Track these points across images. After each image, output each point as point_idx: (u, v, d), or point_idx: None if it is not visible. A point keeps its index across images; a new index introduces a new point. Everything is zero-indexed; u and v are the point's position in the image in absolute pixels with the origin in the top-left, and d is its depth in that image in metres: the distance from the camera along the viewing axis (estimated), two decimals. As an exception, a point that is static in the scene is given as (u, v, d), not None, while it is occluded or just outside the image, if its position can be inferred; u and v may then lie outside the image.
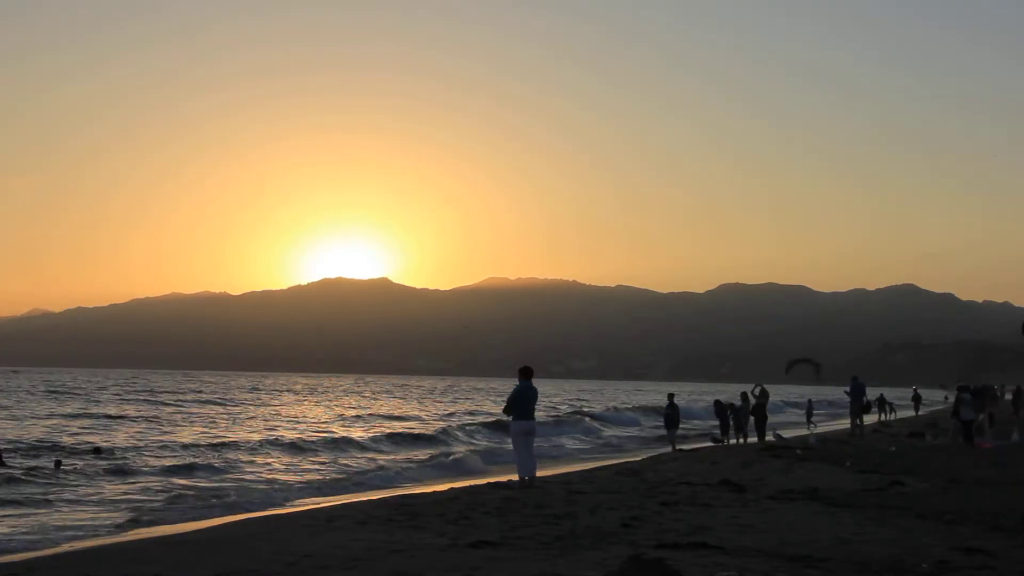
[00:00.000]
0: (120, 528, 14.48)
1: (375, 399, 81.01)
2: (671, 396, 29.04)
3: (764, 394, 30.91)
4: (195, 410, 52.27)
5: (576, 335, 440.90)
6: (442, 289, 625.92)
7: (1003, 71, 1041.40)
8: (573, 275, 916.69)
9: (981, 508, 12.77)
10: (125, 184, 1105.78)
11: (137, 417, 43.51)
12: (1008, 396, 50.00)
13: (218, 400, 67.12)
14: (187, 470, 22.60)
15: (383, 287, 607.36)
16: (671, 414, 28.00)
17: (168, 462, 23.95)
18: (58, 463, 22.60)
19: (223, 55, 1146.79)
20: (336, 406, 63.81)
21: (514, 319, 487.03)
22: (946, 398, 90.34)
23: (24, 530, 14.20)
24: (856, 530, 10.91)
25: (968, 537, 10.28)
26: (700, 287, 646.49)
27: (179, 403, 60.10)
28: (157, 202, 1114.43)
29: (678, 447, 27.80)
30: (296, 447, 29.00)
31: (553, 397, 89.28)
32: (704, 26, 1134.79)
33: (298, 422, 43.39)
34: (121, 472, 21.97)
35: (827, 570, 8.51)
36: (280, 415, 50.31)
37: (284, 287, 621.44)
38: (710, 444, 29.81)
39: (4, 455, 23.24)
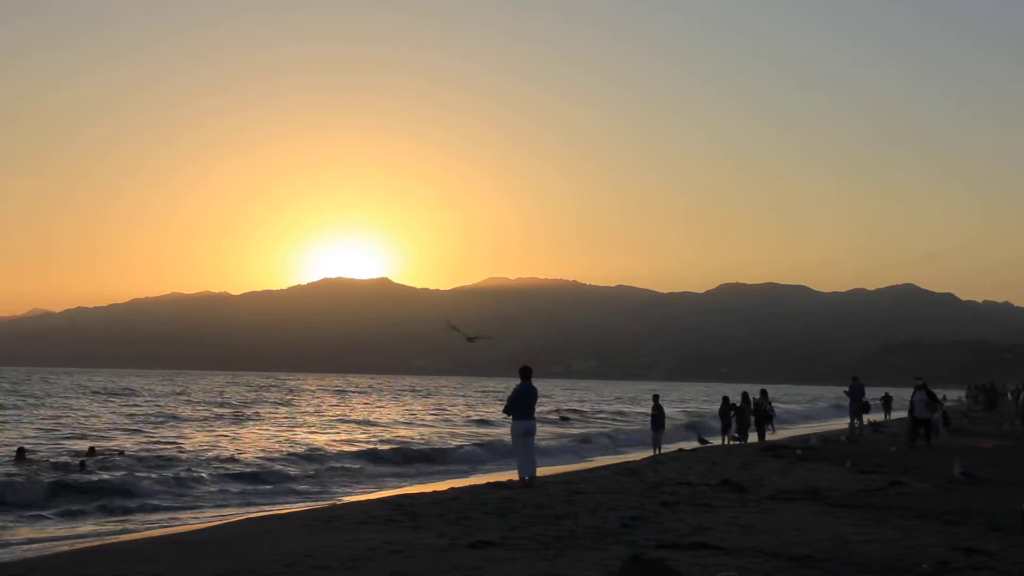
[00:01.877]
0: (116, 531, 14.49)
1: (423, 398, 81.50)
2: (656, 397, 28.76)
3: (764, 395, 30.90)
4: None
5: (576, 335, 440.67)
6: (442, 289, 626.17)
7: (1003, 71, 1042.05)
8: (573, 275, 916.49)
9: (981, 508, 12.77)
10: (125, 184, 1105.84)
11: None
12: (1009, 395, 49.99)
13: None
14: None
15: (383, 287, 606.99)
16: (657, 415, 27.76)
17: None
18: (82, 463, 22.55)
19: (223, 55, 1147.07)
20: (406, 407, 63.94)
21: (514, 319, 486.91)
22: (944, 397, 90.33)
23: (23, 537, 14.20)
24: (856, 530, 10.90)
25: (968, 537, 10.28)
26: (700, 287, 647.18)
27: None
28: (157, 202, 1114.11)
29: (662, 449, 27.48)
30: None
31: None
32: (705, 27, 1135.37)
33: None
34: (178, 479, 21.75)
35: (827, 570, 8.51)
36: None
37: (284, 287, 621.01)
38: (696, 445, 29.46)
39: (27, 453, 23.27)
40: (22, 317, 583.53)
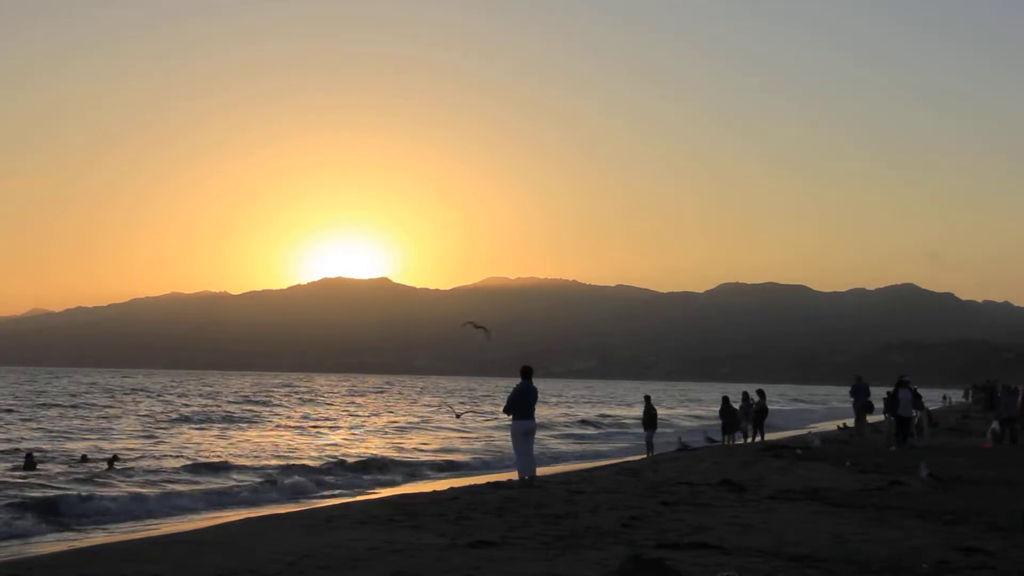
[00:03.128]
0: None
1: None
2: (648, 398, 28.77)
3: (762, 395, 30.94)
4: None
5: (576, 335, 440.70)
6: (442, 289, 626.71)
7: (1003, 72, 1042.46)
8: (573, 275, 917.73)
9: (981, 508, 12.77)
10: (125, 184, 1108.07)
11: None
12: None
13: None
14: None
15: (383, 287, 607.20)
16: (649, 416, 27.76)
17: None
18: (112, 460, 22.36)
19: (223, 55, 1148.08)
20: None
21: (514, 319, 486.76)
22: (944, 397, 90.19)
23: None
24: (856, 530, 10.90)
25: (968, 537, 10.28)
26: (700, 287, 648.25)
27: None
28: (157, 202, 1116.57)
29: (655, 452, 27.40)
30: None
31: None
32: (706, 27, 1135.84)
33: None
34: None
35: (827, 570, 8.50)
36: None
37: (284, 287, 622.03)
38: (679, 450, 28.38)
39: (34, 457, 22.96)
40: (22, 317, 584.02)
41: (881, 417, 44.96)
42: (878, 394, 43.28)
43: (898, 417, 25.39)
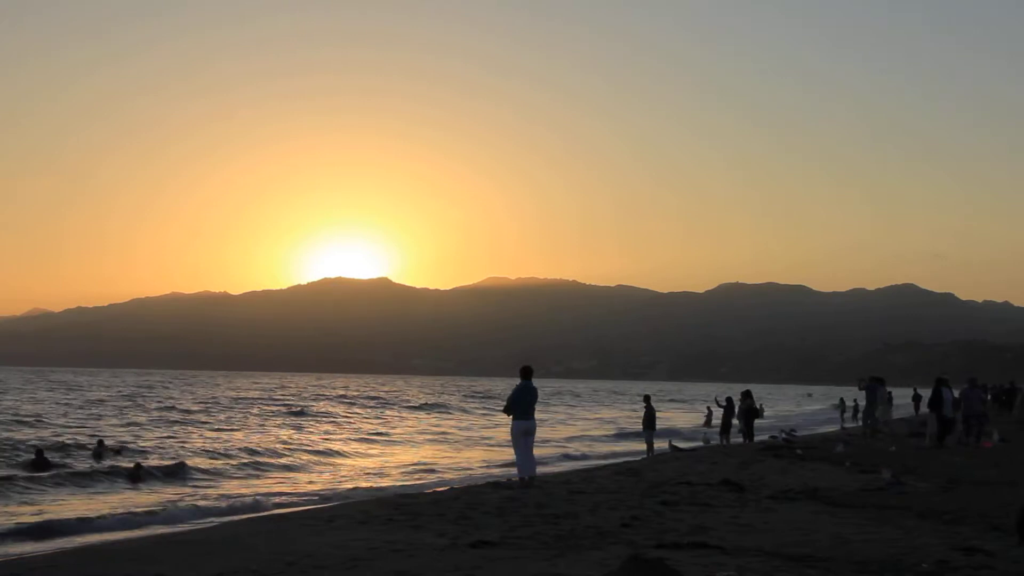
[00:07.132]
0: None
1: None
2: (647, 398, 28.79)
3: (748, 396, 31.03)
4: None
5: (576, 335, 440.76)
6: (442, 289, 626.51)
7: (1003, 71, 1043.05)
8: (573, 275, 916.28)
9: (981, 508, 12.77)
10: (126, 184, 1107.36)
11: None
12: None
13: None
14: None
15: (383, 287, 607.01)
16: (648, 416, 27.78)
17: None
18: (99, 446, 22.33)
19: (224, 56, 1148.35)
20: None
21: (514, 319, 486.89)
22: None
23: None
24: (856, 530, 10.90)
25: (968, 537, 10.27)
26: (700, 287, 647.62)
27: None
28: (158, 202, 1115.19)
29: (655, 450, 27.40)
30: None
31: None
32: (702, 27, 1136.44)
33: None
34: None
35: (827, 570, 8.50)
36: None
37: (284, 287, 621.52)
38: (667, 451, 28.06)
39: (46, 453, 22.93)
40: (22, 317, 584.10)
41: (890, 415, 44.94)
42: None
43: (941, 417, 24.65)
